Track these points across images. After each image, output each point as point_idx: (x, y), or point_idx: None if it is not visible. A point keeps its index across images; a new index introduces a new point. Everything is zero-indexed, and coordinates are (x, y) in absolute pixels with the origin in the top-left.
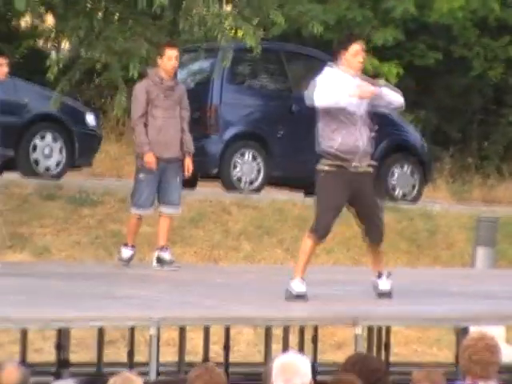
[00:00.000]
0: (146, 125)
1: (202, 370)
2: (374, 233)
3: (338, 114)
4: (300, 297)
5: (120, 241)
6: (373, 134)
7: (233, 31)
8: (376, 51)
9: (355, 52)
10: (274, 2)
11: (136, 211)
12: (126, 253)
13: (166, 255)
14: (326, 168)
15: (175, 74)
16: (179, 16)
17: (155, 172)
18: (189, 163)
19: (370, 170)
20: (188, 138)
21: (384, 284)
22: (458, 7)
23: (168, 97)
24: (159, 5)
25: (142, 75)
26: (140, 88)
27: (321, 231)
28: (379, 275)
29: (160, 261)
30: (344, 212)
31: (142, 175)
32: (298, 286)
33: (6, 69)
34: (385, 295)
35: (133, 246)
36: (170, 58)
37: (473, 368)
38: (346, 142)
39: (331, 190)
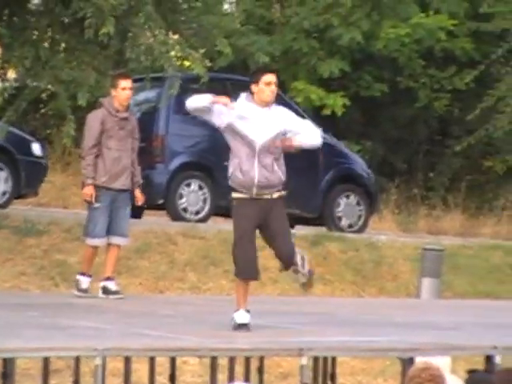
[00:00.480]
0: (97, 155)
1: None
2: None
3: (236, 143)
4: (242, 326)
5: (65, 271)
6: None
7: (180, 61)
8: (322, 82)
9: (267, 82)
10: (221, 33)
11: (92, 241)
12: (86, 282)
13: (112, 285)
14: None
15: (128, 106)
16: (126, 45)
17: (108, 202)
18: (138, 194)
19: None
20: (138, 168)
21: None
22: (404, 34)
23: (123, 128)
24: (106, 33)
25: (91, 105)
26: (94, 118)
27: (242, 272)
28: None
29: (106, 291)
30: None
31: (97, 204)
32: (240, 317)
33: None
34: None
35: (90, 276)
36: (124, 88)
37: None
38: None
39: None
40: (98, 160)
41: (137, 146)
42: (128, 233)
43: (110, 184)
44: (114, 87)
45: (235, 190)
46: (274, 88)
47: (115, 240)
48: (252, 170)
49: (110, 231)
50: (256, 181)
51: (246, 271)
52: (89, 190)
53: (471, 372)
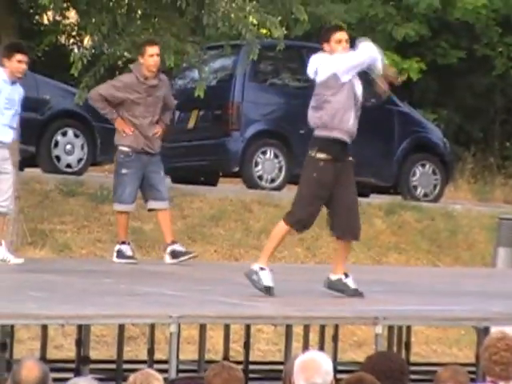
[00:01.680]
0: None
1: (219, 367)
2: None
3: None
4: (268, 290)
5: (140, 238)
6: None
7: (257, 28)
8: (398, 48)
9: (338, 39)
10: (298, 0)
11: (119, 207)
12: (129, 249)
13: (177, 247)
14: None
15: (158, 71)
16: (203, 12)
17: (138, 167)
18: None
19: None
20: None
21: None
22: (481, 5)
23: (151, 95)
24: None
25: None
26: (122, 79)
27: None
28: (346, 275)
29: (174, 255)
30: (365, 211)
31: (124, 170)
32: (267, 279)
33: (24, 66)
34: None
35: (128, 243)
36: (151, 55)
37: (493, 368)
38: None
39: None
40: (127, 124)
41: (168, 115)
42: (167, 196)
43: (137, 149)
44: (142, 54)
45: None
46: (345, 45)
47: (155, 205)
48: None
49: (148, 197)
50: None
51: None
52: (119, 124)
53: None
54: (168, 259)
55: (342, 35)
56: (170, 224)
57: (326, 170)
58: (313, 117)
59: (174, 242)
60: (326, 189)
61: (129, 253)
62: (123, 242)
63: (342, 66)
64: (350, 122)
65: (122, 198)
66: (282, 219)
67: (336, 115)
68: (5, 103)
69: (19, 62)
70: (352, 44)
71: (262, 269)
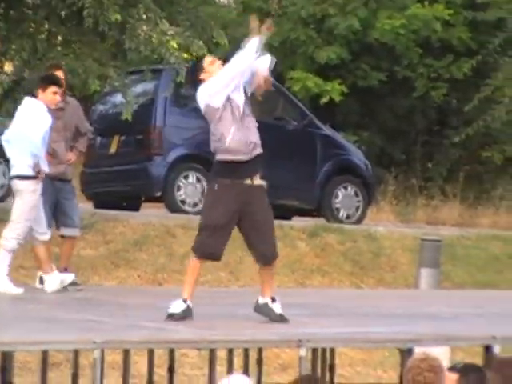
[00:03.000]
0: None
1: None
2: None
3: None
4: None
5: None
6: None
7: (178, 51)
8: (320, 71)
9: (210, 61)
10: (218, 24)
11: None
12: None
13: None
14: None
15: (65, 94)
16: (124, 36)
17: (52, 192)
18: (70, 155)
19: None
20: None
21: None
22: (399, 25)
23: (59, 118)
24: (112, 21)
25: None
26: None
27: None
28: (273, 299)
29: (42, 281)
30: (288, 234)
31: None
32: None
33: (59, 98)
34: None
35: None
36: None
37: None
38: None
39: None
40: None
41: (83, 141)
42: (79, 224)
43: (51, 175)
44: None
45: None
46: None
47: (66, 232)
48: None
49: (60, 223)
50: None
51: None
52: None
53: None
54: (39, 284)
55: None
56: (71, 252)
57: (223, 193)
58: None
59: (65, 270)
60: (226, 213)
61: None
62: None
63: (209, 91)
64: (227, 139)
65: (66, 223)
66: (193, 254)
67: (220, 139)
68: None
69: (54, 93)
70: (274, 68)
71: (184, 301)
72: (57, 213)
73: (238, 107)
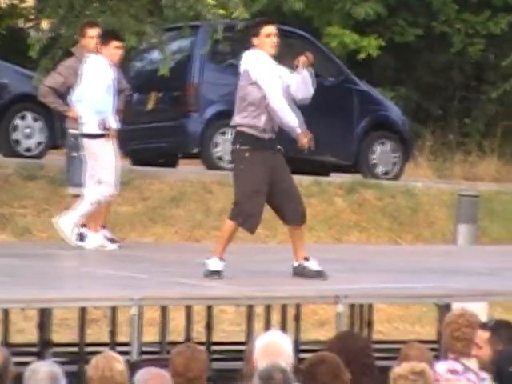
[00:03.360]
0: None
1: (183, 347)
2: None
3: None
4: (215, 273)
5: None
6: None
7: (215, 8)
8: (356, 27)
9: (267, 33)
10: None
11: (72, 191)
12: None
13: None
14: None
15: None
16: None
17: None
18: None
19: None
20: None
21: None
22: None
23: None
24: None
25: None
26: (66, 65)
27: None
28: (306, 259)
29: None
30: (325, 190)
31: (74, 153)
32: (214, 264)
33: (121, 52)
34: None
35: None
36: (92, 37)
37: (455, 345)
38: None
39: None
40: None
41: (121, 98)
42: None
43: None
44: (82, 35)
45: None
46: (274, 40)
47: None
48: None
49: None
50: None
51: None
52: (72, 113)
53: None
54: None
55: (270, 29)
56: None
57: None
58: None
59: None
60: (261, 178)
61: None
62: (84, 225)
63: (266, 89)
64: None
65: (74, 182)
66: (229, 218)
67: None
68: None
69: (116, 48)
70: (310, 24)
71: (220, 259)
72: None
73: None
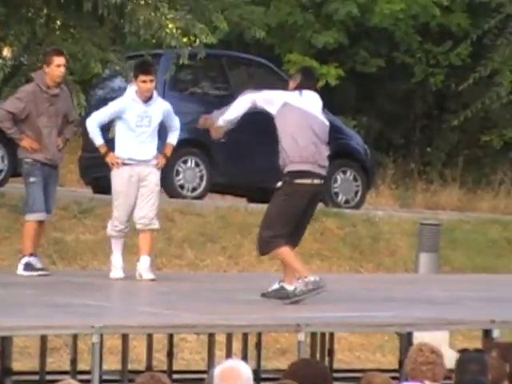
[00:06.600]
0: (24, 132)
1: (147, 377)
2: None
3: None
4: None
5: (62, 249)
6: None
7: (179, 35)
8: (317, 55)
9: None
10: (216, 7)
11: (31, 217)
12: (37, 262)
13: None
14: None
15: (60, 82)
16: (123, 20)
17: (42, 176)
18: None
19: None
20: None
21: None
22: (398, 10)
23: (53, 104)
24: (106, 5)
25: (29, 79)
26: (27, 90)
27: None
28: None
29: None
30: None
31: (32, 179)
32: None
33: (150, 86)
34: None
35: (35, 255)
36: (58, 65)
37: (419, 369)
38: None
39: None
40: (29, 135)
41: (70, 128)
42: (51, 210)
43: (42, 159)
44: (47, 63)
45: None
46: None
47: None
48: None
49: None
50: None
51: None
52: (26, 142)
53: (462, 351)
54: (21, 270)
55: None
56: (42, 236)
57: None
58: None
59: (31, 255)
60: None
61: (39, 265)
62: (31, 254)
63: None
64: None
65: (33, 208)
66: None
67: None
68: (136, 121)
69: (143, 82)
70: (272, 52)
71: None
72: None
73: None
